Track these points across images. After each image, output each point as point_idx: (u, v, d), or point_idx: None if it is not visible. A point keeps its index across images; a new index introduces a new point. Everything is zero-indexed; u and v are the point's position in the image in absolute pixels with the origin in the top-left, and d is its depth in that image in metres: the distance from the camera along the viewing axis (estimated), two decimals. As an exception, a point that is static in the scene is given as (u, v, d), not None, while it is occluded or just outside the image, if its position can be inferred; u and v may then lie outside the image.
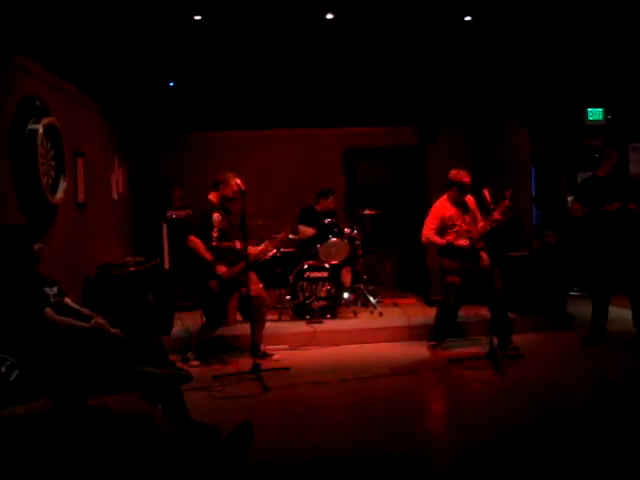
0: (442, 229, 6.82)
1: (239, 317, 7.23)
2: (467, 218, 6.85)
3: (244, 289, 6.55)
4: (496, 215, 6.48)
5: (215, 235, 6.50)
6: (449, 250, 6.78)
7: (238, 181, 6.57)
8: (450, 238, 6.76)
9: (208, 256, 6.46)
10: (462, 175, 6.82)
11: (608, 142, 10.31)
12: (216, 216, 6.55)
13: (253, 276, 6.83)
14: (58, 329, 4.37)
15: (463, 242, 6.71)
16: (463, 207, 6.90)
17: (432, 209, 6.98)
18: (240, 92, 9.76)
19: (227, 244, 6.56)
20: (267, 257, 8.18)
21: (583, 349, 7.12)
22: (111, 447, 3.11)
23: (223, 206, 6.74)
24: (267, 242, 6.99)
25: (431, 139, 10.90)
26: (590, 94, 9.99)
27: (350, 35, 7.94)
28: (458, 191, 6.83)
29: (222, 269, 6.48)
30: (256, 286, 6.78)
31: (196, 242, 6.49)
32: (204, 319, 6.90)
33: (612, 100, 10.07)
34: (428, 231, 6.85)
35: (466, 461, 4.31)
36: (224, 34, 7.75)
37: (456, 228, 6.77)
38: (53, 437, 3.07)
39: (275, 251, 8.73)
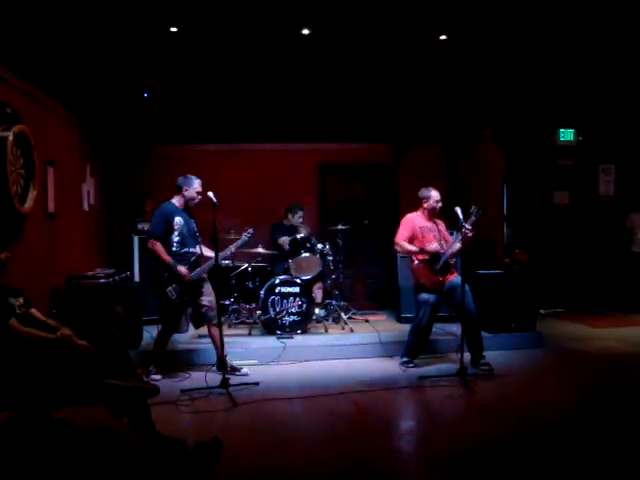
0: (413, 239, 6.92)
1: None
2: (437, 235, 6.93)
3: (199, 299, 6.57)
4: (468, 233, 6.58)
5: (176, 240, 6.52)
6: (423, 266, 6.82)
7: (200, 181, 6.66)
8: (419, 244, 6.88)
9: (167, 259, 6.42)
10: (430, 190, 7.05)
11: (579, 162, 10.49)
12: (177, 220, 6.53)
13: (209, 286, 6.77)
14: (23, 340, 4.29)
15: (434, 247, 6.79)
16: (435, 224, 7.00)
17: (403, 220, 7.11)
18: (215, 105, 9.73)
19: (187, 250, 6.58)
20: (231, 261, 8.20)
21: (553, 367, 7.16)
22: (74, 460, 3.05)
23: (186, 210, 6.71)
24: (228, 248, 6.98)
25: (404, 157, 10.98)
26: (562, 115, 10.12)
27: (326, 51, 7.97)
28: (428, 207, 7.00)
29: (182, 269, 6.44)
30: (211, 297, 6.69)
31: (155, 244, 6.45)
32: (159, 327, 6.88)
33: (583, 122, 10.21)
34: (400, 239, 6.97)
35: (433, 477, 4.29)
36: (200, 46, 7.73)
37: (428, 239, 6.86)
38: (15, 449, 3.00)
39: (246, 265, 8.73)
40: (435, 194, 7.01)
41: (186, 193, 6.63)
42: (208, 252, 6.70)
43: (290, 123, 10.20)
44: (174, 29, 7.13)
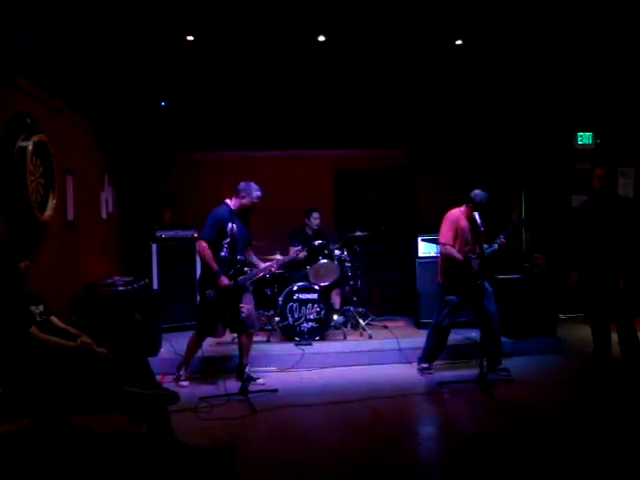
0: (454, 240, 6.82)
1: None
2: (470, 238, 6.84)
3: (240, 305, 6.45)
4: (502, 239, 6.86)
5: (226, 245, 6.43)
6: (456, 269, 6.77)
7: (259, 194, 6.52)
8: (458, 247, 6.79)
9: (214, 265, 6.33)
10: (484, 197, 6.76)
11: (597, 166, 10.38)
12: (231, 226, 6.32)
13: (249, 296, 6.71)
14: (43, 348, 4.32)
15: (476, 266, 6.68)
16: (472, 225, 6.81)
17: (448, 218, 6.90)
18: (232, 113, 9.78)
19: (236, 256, 6.37)
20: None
21: (573, 372, 7.08)
22: (93, 466, 3.06)
23: (241, 214, 6.54)
24: (275, 261, 7.03)
25: (421, 162, 10.94)
26: (580, 118, 10.05)
27: (341, 57, 7.98)
28: (475, 210, 6.71)
29: (225, 281, 6.31)
30: (250, 305, 6.64)
31: (204, 249, 6.34)
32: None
33: (601, 124, 10.14)
34: (448, 240, 6.78)
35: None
36: (217, 54, 7.77)
37: (468, 246, 6.80)
38: (35, 456, 3.02)
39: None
40: (486, 202, 6.76)
41: (243, 200, 6.48)
42: (254, 259, 6.78)
43: (308, 130, 10.22)
44: (190, 38, 7.18)
